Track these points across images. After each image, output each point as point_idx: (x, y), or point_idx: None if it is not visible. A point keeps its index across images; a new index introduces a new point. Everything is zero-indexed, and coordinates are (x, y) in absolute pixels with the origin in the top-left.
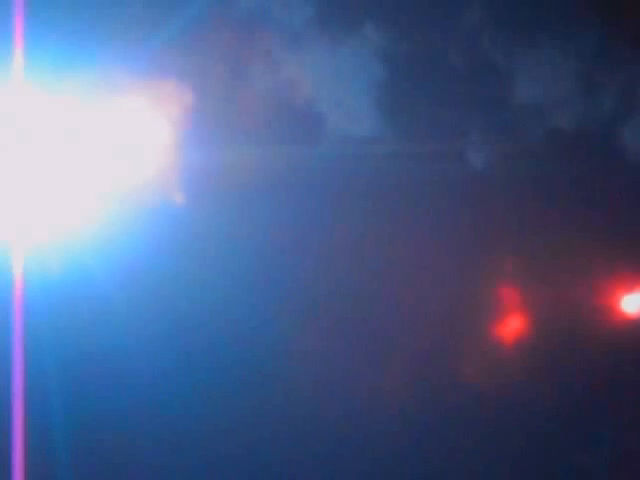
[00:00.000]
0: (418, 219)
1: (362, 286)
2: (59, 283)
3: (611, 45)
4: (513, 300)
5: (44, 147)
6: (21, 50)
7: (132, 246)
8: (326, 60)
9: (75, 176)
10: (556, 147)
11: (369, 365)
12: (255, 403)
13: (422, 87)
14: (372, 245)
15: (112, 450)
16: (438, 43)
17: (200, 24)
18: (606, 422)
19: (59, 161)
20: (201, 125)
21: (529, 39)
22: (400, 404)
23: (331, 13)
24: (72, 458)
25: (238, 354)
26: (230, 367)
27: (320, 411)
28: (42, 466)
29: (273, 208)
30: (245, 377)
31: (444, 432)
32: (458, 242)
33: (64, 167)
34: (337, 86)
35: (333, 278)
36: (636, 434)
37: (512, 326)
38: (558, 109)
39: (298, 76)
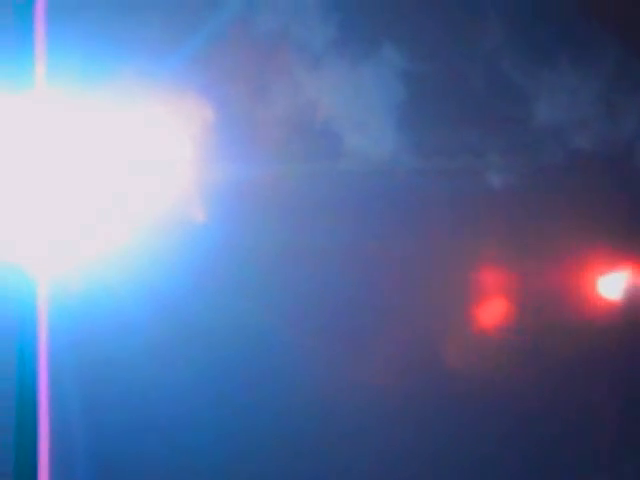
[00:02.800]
0: (437, 236)
1: (381, 299)
2: (84, 305)
3: (630, 66)
4: (495, 286)
5: (63, 163)
6: (42, 61)
7: (154, 264)
8: (346, 80)
9: (93, 193)
10: (575, 167)
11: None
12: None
13: (441, 107)
14: (391, 260)
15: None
16: (458, 64)
17: (221, 43)
18: (587, 405)
19: (78, 177)
20: (221, 142)
21: (548, 60)
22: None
23: (351, 33)
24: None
25: (270, 373)
26: (262, 388)
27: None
28: None
29: (292, 226)
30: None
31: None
32: (473, 257)
33: (83, 183)
34: (357, 106)
35: (353, 291)
36: (615, 413)
37: (493, 312)
38: (578, 130)
39: (318, 96)
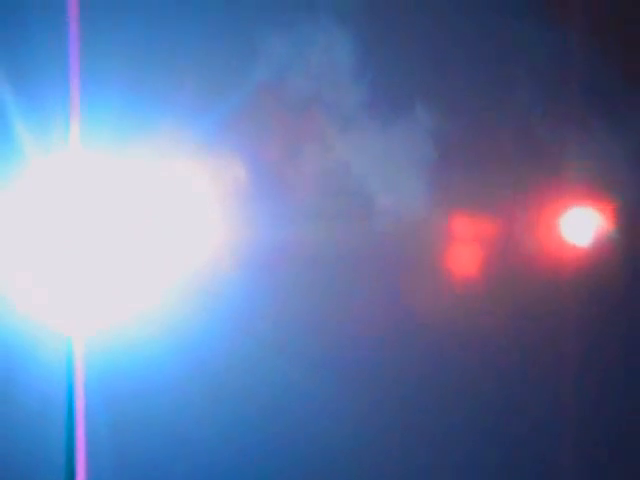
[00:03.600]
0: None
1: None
2: (116, 365)
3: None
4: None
5: (95, 224)
6: (78, 117)
7: (187, 323)
8: (377, 141)
9: (127, 253)
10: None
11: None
12: None
13: (472, 167)
14: (423, 317)
15: None
16: (488, 124)
17: (254, 104)
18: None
19: (111, 237)
20: (253, 202)
21: (578, 119)
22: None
23: (381, 95)
24: None
25: (299, 431)
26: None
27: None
28: None
29: (323, 283)
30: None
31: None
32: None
33: (116, 243)
34: (388, 166)
35: (384, 347)
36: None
37: (457, 259)
38: (608, 188)
39: (349, 157)
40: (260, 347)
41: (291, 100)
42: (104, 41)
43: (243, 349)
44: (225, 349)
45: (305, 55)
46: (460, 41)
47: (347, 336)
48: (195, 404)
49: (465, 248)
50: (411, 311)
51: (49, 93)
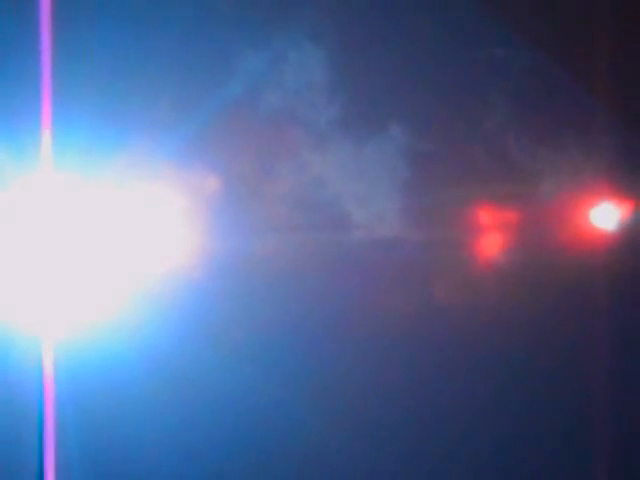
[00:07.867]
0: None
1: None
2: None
3: (635, 148)
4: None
5: (66, 235)
6: (48, 134)
7: (158, 336)
8: (352, 156)
9: (96, 265)
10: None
11: None
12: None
13: (446, 186)
14: (396, 331)
15: None
16: (462, 142)
17: (227, 120)
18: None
19: (80, 249)
20: (229, 214)
21: (552, 139)
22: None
23: (356, 112)
24: None
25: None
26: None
27: None
28: None
29: (296, 293)
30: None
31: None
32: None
33: (85, 255)
34: (361, 184)
35: (357, 362)
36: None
37: (488, 248)
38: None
39: (323, 173)
40: (234, 357)
41: (265, 116)
42: (75, 61)
43: (217, 358)
44: (198, 358)
45: (279, 71)
46: (435, 61)
47: (321, 347)
48: (168, 411)
49: (432, 262)
50: (385, 324)
51: (18, 110)
